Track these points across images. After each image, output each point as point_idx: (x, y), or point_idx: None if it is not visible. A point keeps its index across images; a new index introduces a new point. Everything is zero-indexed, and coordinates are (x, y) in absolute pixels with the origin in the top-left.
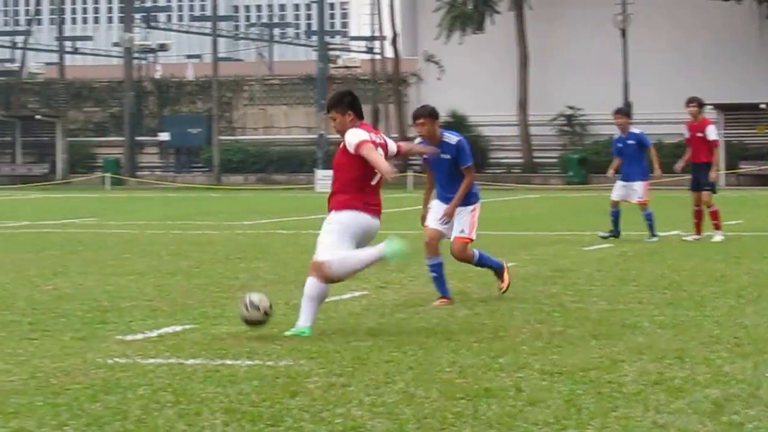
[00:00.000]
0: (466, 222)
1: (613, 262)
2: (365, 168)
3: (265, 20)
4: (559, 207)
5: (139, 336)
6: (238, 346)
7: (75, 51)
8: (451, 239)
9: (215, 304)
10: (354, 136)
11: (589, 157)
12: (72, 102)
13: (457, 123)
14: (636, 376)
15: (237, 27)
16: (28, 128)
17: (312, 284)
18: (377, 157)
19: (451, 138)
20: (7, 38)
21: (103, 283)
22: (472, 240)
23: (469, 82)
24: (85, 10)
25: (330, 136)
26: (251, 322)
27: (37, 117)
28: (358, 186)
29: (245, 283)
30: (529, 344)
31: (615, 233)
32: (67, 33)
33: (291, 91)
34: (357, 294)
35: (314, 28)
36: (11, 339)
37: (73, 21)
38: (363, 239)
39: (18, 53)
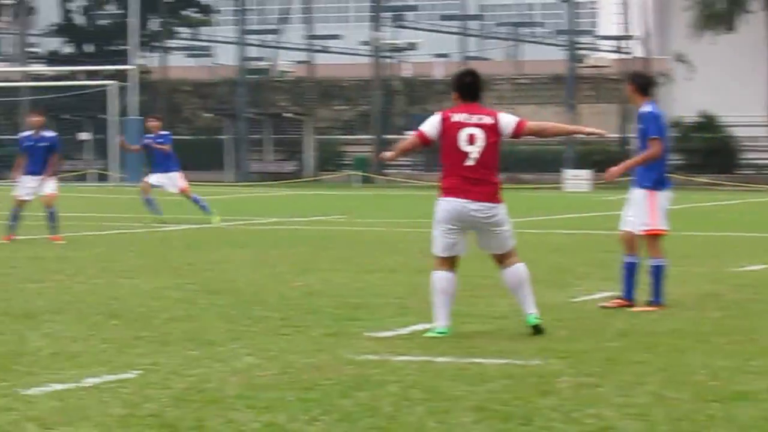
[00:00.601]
0: (644, 212)
1: None
2: (448, 150)
3: (513, 19)
4: None
5: (390, 333)
6: (487, 344)
7: (324, 50)
8: (637, 232)
9: (465, 303)
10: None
11: None
12: (321, 100)
13: (708, 123)
14: None
15: (485, 26)
16: (277, 126)
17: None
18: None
19: (646, 107)
20: (258, 37)
21: (353, 279)
22: (659, 232)
23: (719, 83)
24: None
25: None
26: None
27: (287, 115)
28: (447, 170)
29: (495, 283)
30: None
31: None
32: (317, 32)
33: (540, 90)
34: (607, 294)
35: (563, 27)
36: (263, 334)
37: (322, 20)
38: (458, 223)
39: (268, 52)
